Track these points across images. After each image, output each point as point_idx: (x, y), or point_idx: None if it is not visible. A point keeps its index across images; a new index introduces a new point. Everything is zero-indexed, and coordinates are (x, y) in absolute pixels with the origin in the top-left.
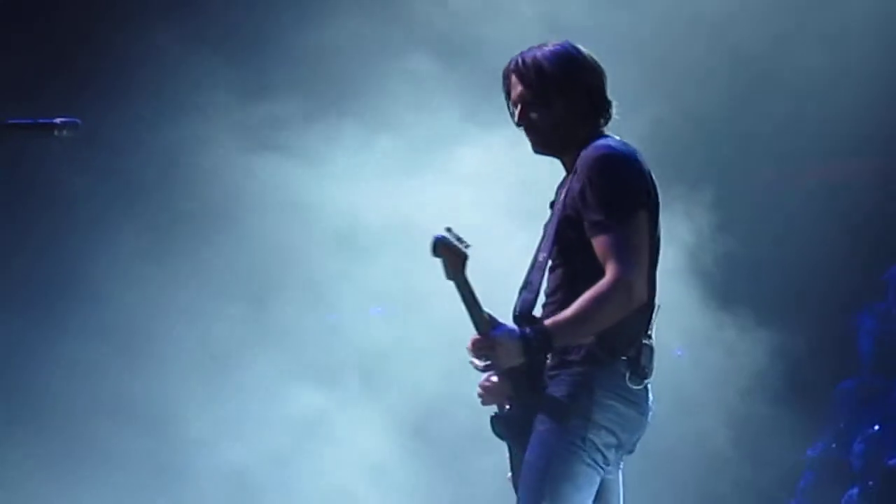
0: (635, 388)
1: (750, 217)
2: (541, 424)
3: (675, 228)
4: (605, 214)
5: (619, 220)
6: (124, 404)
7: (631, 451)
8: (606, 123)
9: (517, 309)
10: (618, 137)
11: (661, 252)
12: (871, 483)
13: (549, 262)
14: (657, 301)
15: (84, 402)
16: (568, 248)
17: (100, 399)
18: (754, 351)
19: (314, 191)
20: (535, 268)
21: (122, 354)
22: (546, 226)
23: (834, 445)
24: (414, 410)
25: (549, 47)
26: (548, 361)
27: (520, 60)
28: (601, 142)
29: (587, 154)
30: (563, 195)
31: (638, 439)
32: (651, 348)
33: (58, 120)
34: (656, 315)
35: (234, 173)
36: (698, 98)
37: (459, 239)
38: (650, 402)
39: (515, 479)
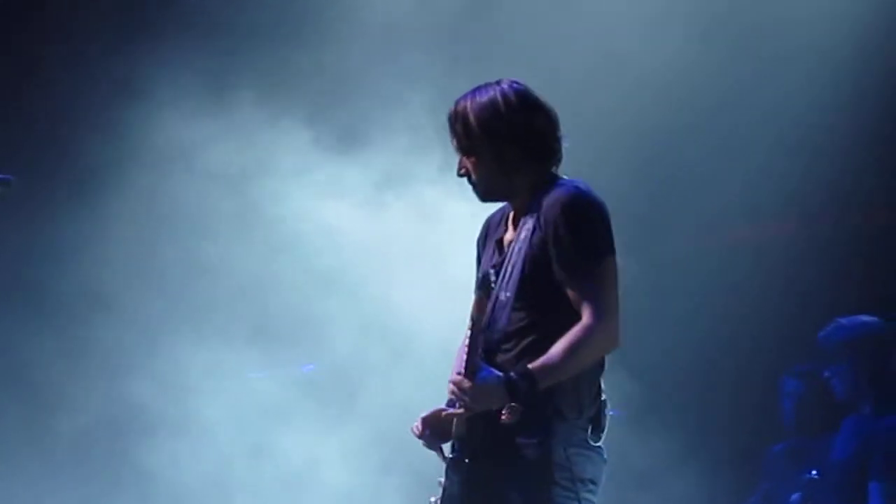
0: (595, 444)
1: (666, 276)
2: (523, 498)
3: None
4: (583, 257)
5: (596, 264)
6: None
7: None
8: (556, 164)
9: (483, 349)
10: (575, 179)
11: None
12: None
13: (513, 302)
14: None
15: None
16: (534, 289)
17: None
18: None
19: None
20: (498, 307)
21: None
22: (500, 264)
23: None
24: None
25: (479, 95)
26: (504, 414)
27: (452, 110)
28: (570, 183)
29: (558, 195)
30: (524, 234)
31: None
32: (606, 403)
33: None
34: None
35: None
36: (615, 145)
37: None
38: (605, 457)
39: None
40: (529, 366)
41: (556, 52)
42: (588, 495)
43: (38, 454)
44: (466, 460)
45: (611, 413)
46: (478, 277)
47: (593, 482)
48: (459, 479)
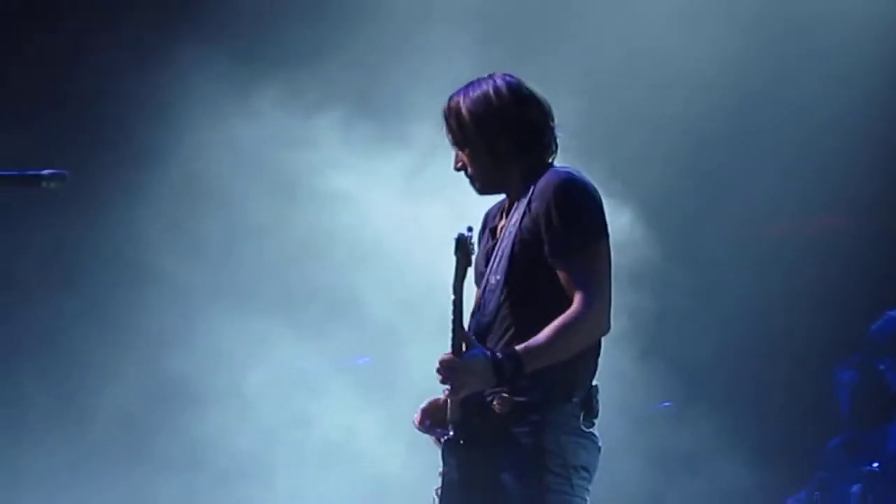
0: (587, 430)
1: (720, 268)
2: (518, 483)
3: None
4: (573, 241)
5: (587, 248)
6: None
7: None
8: (552, 154)
9: (471, 330)
10: (567, 167)
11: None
12: None
13: (503, 286)
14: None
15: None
16: (524, 273)
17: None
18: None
19: None
20: (488, 290)
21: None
22: (491, 249)
23: (817, 493)
24: None
25: (473, 90)
26: (496, 405)
27: (446, 106)
28: (562, 169)
29: (550, 180)
30: (514, 219)
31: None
32: (597, 388)
33: (45, 172)
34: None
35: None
36: (657, 141)
37: (473, 245)
38: (599, 443)
39: (444, 497)
40: (517, 347)
41: (595, 48)
42: (580, 482)
43: (83, 428)
44: (461, 442)
45: (663, 405)
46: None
47: (586, 469)
48: (456, 463)
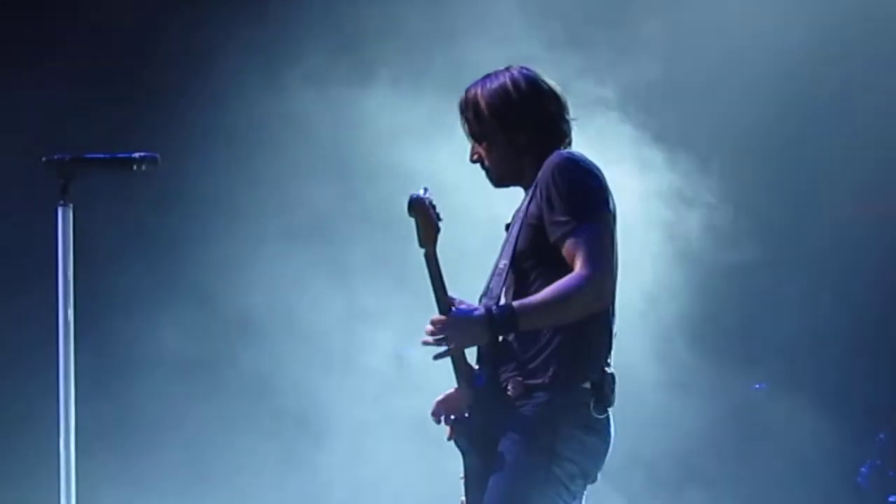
0: (599, 416)
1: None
2: (507, 455)
3: None
4: (571, 214)
5: (586, 219)
6: None
7: (594, 481)
8: (566, 146)
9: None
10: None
11: None
12: None
13: (510, 269)
14: (615, 328)
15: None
16: (530, 256)
17: None
18: None
19: None
20: (496, 274)
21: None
22: (505, 241)
23: None
24: None
25: (490, 82)
26: (509, 388)
27: (464, 98)
28: (563, 151)
29: (547, 162)
30: (522, 206)
31: (600, 468)
32: (613, 377)
33: (136, 155)
34: (614, 341)
35: None
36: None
37: (433, 206)
38: (612, 431)
39: (468, 484)
40: (513, 303)
41: (681, 47)
42: (561, 472)
43: (149, 364)
44: (468, 416)
45: (757, 387)
46: None
47: (573, 461)
48: (467, 436)
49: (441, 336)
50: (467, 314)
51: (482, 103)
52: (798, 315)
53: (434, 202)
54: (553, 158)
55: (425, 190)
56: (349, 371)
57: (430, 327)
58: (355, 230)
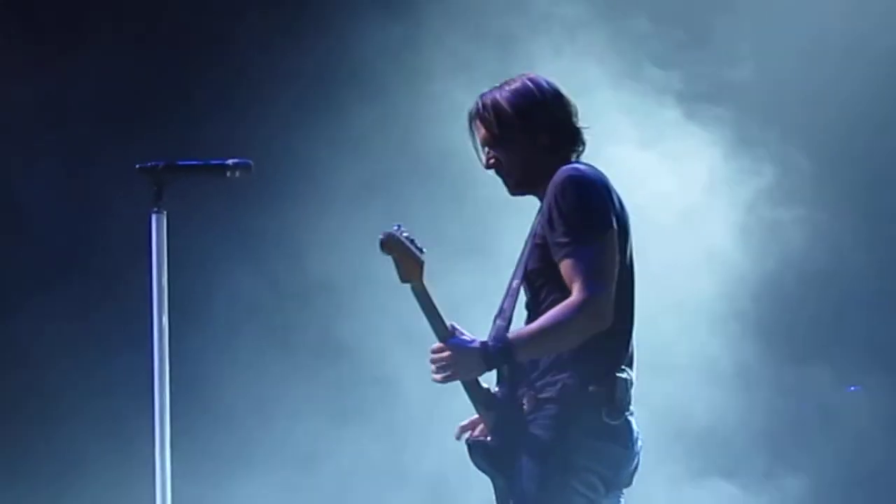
0: (613, 423)
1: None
2: (523, 471)
3: None
4: (569, 236)
5: (584, 241)
6: None
7: (628, 485)
8: (580, 153)
9: (491, 336)
10: (587, 163)
11: None
12: None
13: (519, 289)
14: (635, 327)
15: None
16: (540, 274)
17: None
18: None
19: None
20: (509, 295)
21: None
22: (518, 260)
23: None
24: None
25: (509, 86)
26: (524, 404)
27: (480, 103)
28: (567, 166)
29: (553, 180)
30: (534, 222)
31: (632, 473)
32: (626, 380)
33: (230, 161)
34: (632, 343)
35: None
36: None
37: (412, 240)
38: (636, 434)
39: None
40: (508, 334)
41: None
42: (582, 482)
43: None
44: (488, 438)
45: (851, 389)
46: None
47: (591, 470)
48: (485, 458)
49: (441, 364)
50: (463, 345)
51: (505, 104)
52: None
53: (412, 237)
54: (557, 176)
55: (398, 227)
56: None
57: (431, 357)
58: (446, 221)
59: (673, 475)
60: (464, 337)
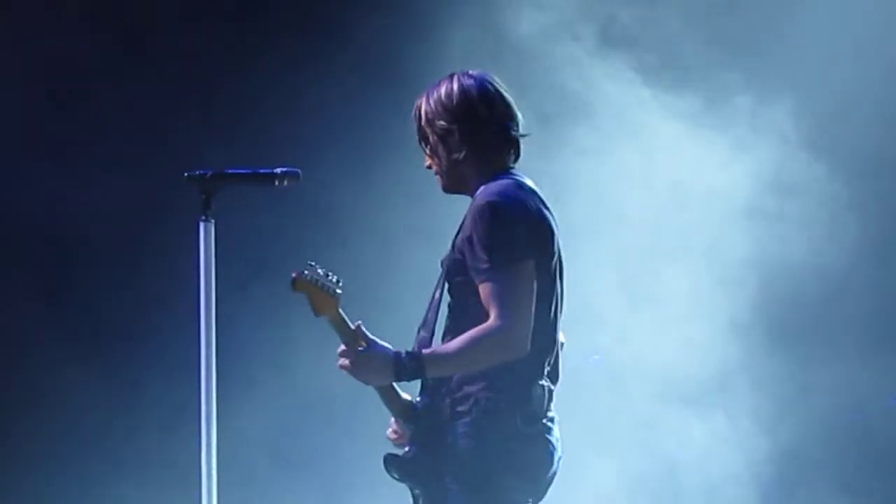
0: (529, 429)
1: None
2: (446, 481)
3: None
4: (488, 263)
5: (501, 269)
6: None
7: (546, 488)
8: (516, 158)
9: (414, 347)
10: (521, 178)
11: None
12: None
13: (439, 302)
14: (558, 344)
15: None
16: (458, 290)
17: None
18: None
19: None
20: (431, 306)
21: None
22: (442, 262)
23: None
24: None
25: (435, 89)
26: (442, 414)
27: (417, 104)
28: (493, 186)
29: (476, 199)
30: (456, 237)
31: (551, 477)
32: (544, 389)
33: (278, 170)
34: (554, 358)
35: None
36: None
37: (328, 275)
38: (554, 440)
39: None
40: (424, 350)
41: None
42: (503, 488)
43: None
44: (406, 449)
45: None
46: None
47: (512, 475)
48: (408, 477)
49: (344, 363)
50: (374, 356)
51: (423, 109)
52: None
53: (328, 272)
54: (481, 197)
55: (310, 265)
56: None
57: (339, 360)
58: None
59: None
60: (383, 344)
